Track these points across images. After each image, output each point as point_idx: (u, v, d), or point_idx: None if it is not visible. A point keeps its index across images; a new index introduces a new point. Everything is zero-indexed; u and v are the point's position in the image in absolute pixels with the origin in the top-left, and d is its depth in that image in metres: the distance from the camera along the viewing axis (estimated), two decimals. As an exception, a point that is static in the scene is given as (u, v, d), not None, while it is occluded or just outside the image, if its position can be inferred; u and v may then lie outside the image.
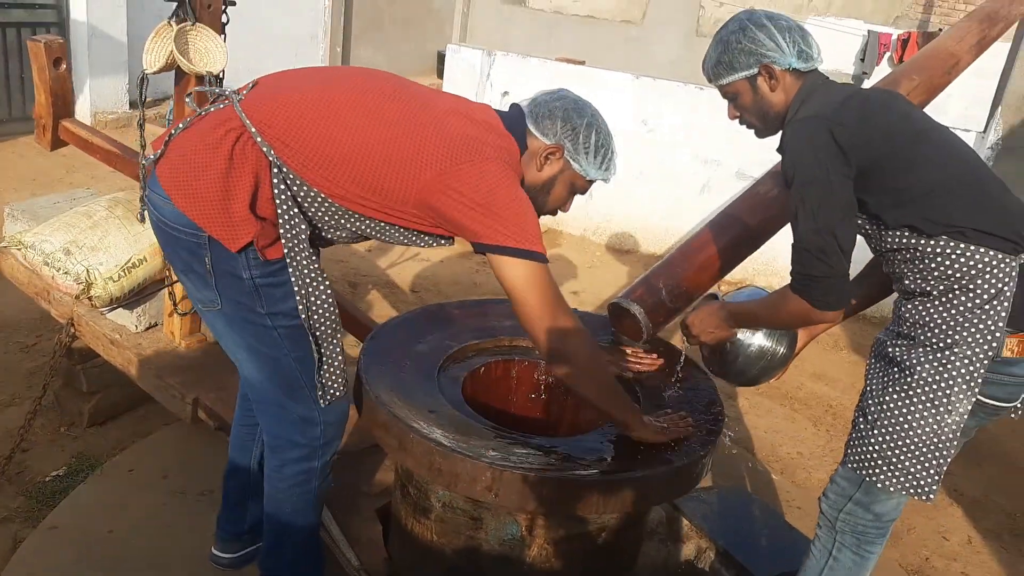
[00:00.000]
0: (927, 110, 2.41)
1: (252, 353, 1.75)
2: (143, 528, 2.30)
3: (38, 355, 3.31)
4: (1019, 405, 1.85)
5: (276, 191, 1.60)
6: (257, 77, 1.76)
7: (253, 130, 1.60)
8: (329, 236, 1.75)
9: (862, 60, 7.74)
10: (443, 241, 1.77)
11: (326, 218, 1.69)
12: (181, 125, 1.70)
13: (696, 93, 5.37)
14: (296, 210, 1.63)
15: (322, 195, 1.63)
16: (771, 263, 5.34)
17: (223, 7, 2.38)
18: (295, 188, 1.63)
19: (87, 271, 2.54)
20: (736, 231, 2.43)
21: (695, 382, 2.18)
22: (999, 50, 4.76)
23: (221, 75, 2.40)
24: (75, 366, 2.88)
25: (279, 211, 1.62)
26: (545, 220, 6.58)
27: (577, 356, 1.66)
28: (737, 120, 1.91)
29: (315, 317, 1.71)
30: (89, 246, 2.57)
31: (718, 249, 2.41)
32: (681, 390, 2.12)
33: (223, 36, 2.40)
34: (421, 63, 10.73)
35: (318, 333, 1.72)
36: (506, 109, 1.81)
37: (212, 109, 1.68)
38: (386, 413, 1.79)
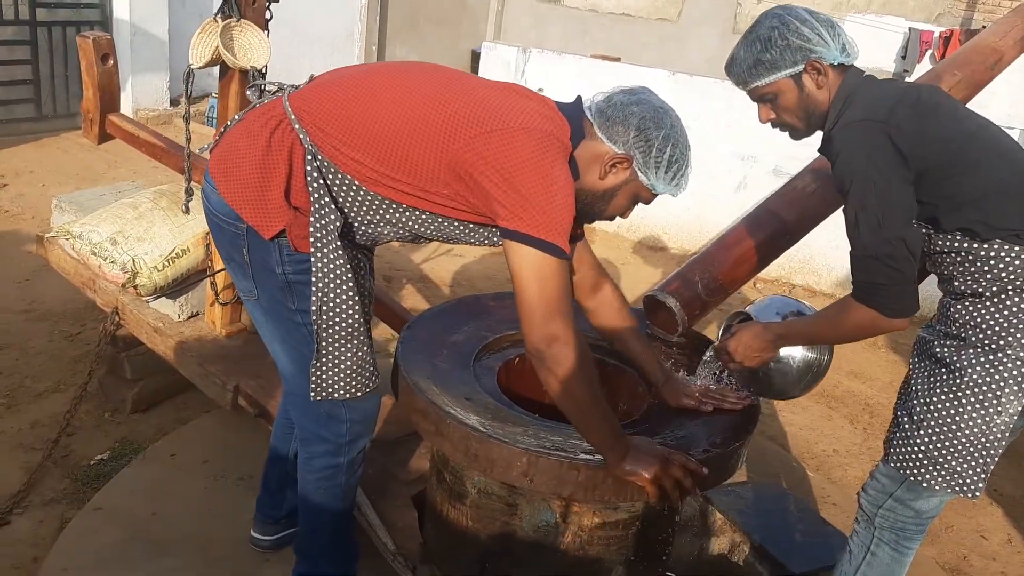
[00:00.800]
0: (970, 107, 2.39)
1: (284, 346, 1.79)
2: (185, 510, 2.35)
3: (82, 343, 3.40)
4: None
5: (309, 178, 1.59)
6: (318, 76, 1.78)
7: (292, 117, 1.61)
8: (367, 231, 1.71)
9: (903, 58, 7.62)
10: (484, 232, 1.67)
11: (361, 209, 1.64)
12: (237, 117, 1.74)
13: (732, 90, 5.29)
14: (328, 199, 1.59)
15: (356, 182, 1.60)
16: (808, 261, 5.29)
17: (267, 4, 2.43)
18: (329, 176, 1.60)
19: (133, 260, 2.61)
20: (774, 226, 2.42)
21: (732, 375, 2.17)
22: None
23: (264, 70, 2.44)
24: (119, 354, 2.95)
25: (312, 198, 1.58)
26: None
27: (559, 365, 1.52)
28: (770, 123, 1.87)
29: (329, 315, 1.64)
30: (135, 236, 2.64)
31: (755, 244, 2.41)
32: (715, 380, 2.11)
33: (266, 32, 2.44)
34: (456, 61, 10.78)
35: (323, 330, 1.66)
36: None
37: (265, 101, 1.71)
38: (424, 399, 1.82)
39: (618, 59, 5.60)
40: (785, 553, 2.45)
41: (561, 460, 1.67)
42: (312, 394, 1.74)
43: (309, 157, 1.59)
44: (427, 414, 1.81)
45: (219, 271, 2.72)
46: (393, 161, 1.55)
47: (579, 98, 1.68)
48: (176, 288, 2.78)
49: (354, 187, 1.61)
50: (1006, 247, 1.62)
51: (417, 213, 1.65)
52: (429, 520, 2.21)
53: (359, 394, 1.80)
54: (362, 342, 1.74)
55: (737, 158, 5.41)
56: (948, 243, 1.68)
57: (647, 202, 1.72)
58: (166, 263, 2.65)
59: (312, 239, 1.60)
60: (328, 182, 1.61)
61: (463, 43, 11.24)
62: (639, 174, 1.63)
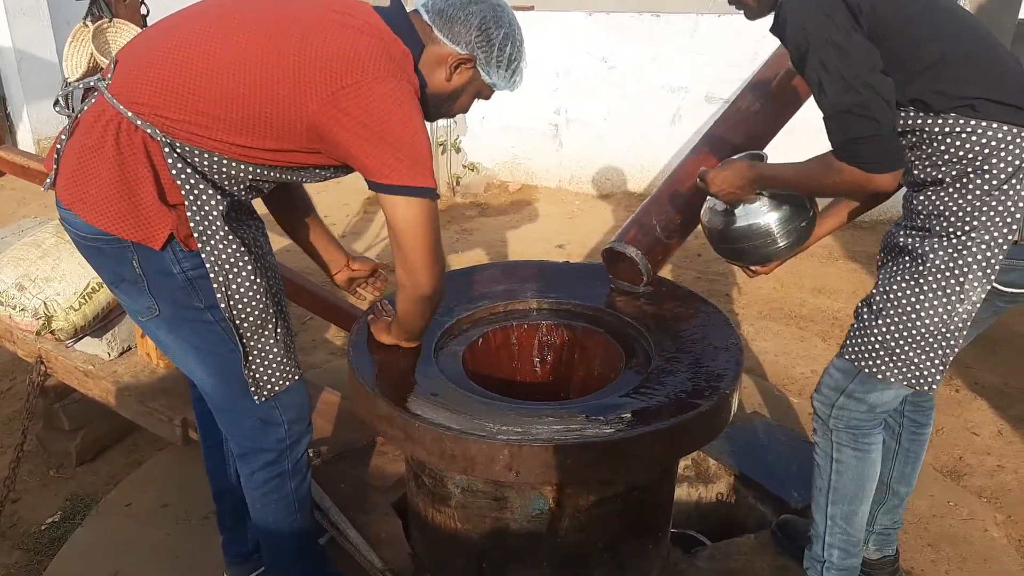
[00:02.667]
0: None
1: (200, 356, 1.62)
2: (150, 564, 2.17)
3: (14, 399, 3.15)
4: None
5: (174, 171, 1.45)
6: (118, 51, 1.59)
7: (129, 114, 1.44)
8: (247, 196, 1.61)
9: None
10: (344, 171, 1.64)
11: (236, 180, 1.54)
12: (64, 135, 1.52)
13: (653, 23, 5.19)
14: (203, 185, 1.49)
15: (225, 157, 1.49)
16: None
17: (139, -2, 2.19)
18: (195, 160, 1.48)
19: (44, 304, 2.37)
20: (723, 152, 2.29)
21: (708, 318, 2.06)
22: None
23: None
24: (53, 405, 2.73)
25: (183, 191, 1.46)
26: (518, 176, 6.35)
27: (436, 297, 1.64)
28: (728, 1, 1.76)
29: (238, 306, 1.55)
30: (43, 277, 2.40)
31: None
32: (699, 327, 2.00)
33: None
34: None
35: (238, 322, 1.57)
36: None
37: (85, 107, 1.51)
38: (386, 404, 1.66)
39: (531, 7, 5.40)
40: (784, 488, 2.39)
41: (546, 446, 1.53)
42: (255, 398, 1.64)
43: (167, 150, 1.45)
44: (392, 420, 1.65)
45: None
46: (250, 132, 1.46)
47: (395, 2, 1.61)
48: (99, 325, 2.55)
49: (224, 161, 1.50)
50: (961, 121, 1.51)
51: (293, 170, 1.58)
52: (415, 527, 2.06)
53: (296, 378, 1.69)
54: (278, 323, 1.65)
55: (667, 91, 5.28)
56: (903, 120, 1.57)
57: (487, 98, 1.73)
58: (82, 300, 2.42)
59: (196, 233, 1.49)
60: (196, 167, 1.49)
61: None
62: (482, 73, 1.64)
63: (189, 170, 1.47)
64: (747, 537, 2.23)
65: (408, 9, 1.60)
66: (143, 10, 2.22)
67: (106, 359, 2.62)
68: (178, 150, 1.46)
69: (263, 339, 1.61)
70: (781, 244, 1.89)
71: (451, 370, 1.86)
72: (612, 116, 5.46)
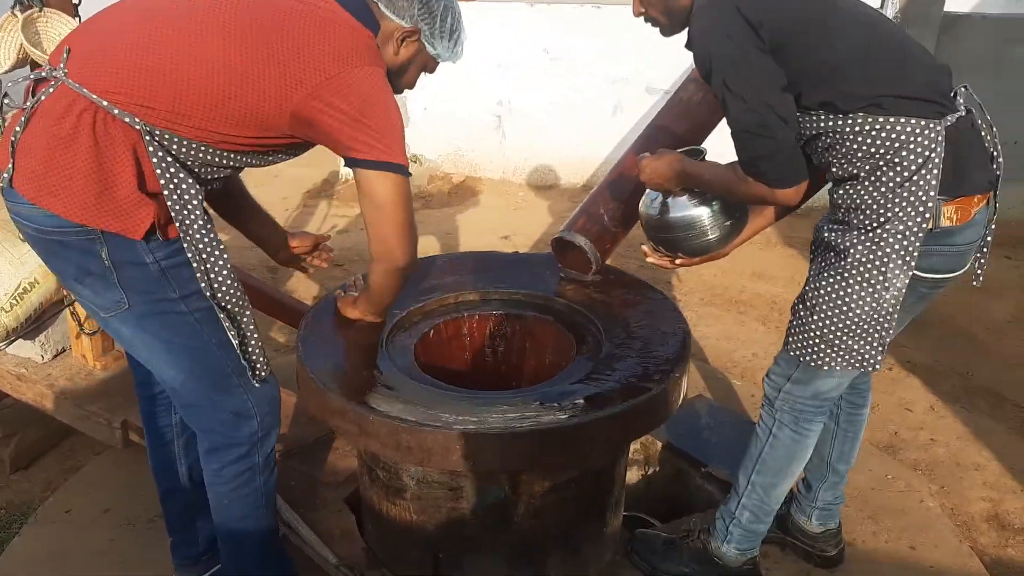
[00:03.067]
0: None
1: (170, 349, 1.59)
2: (95, 570, 2.10)
3: (-60, 407, 3.00)
4: (979, 272, 1.82)
5: (155, 160, 1.45)
6: (65, 39, 1.55)
7: (105, 104, 1.42)
8: (215, 181, 1.62)
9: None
10: (298, 150, 1.70)
11: (211, 167, 1.57)
12: (18, 128, 1.46)
13: (595, 14, 5.22)
14: (183, 173, 1.49)
15: (204, 144, 1.51)
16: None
17: (68, -16, 2.10)
18: (173, 148, 1.49)
19: (-28, 306, 2.27)
20: (667, 142, 2.32)
21: (656, 304, 2.09)
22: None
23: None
24: (-18, 411, 2.61)
25: (162, 180, 1.46)
26: (461, 167, 6.33)
27: (409, 269, 1.70)
28: (642, 17, 1.82)
29: (221, 290, 1.56)
30: (-31, 279, 2.30)
31: (651, 163, 2.31)
32: (647, 313, 2.03)
33: (77, 18, 2.12)
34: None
35: (225, 304, 1.57)
36: None
37: (43, 97, 1.45)
38: (338, 398, 1.64)
39: (470, -2, 5.39)
40: (731, 469, 2.44)
41: (502, 435, 1.54)
42: (255, 380, 1.66)
43: (147, 138, 1.45)
44: (345, 414, 1.64)
45: (76, 301, 2.42)
46: (233, 122, 1.50)
47: None
48: (32, 327, 2.45)
49: (202, 149, 1.52)
50: (869, 119, 1.57)
51: (254, 155, 1.62)
52: (369, 521, 2.05)
53: (269, 370, 1.69)
54: (251, 313, 1.66)
55: (609, 82, 5.33)
56: (815, 123, 1.63)
57: (432, 71, 1.80)
58: (14, 301, 2.32)
59: (177, 220, 1.48)
60: (175, 154, 1.50)
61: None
62: (427, 45, 1.71)
63: (169, 158, 1.47)
64: (695, 516, 2.28)
65: None
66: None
67: (40, 362, 2.53)
68: (157, 139, 1.46)
69: (247, 321, 1.61)
70: (711, 237, 1.92)
71: (403, 362, 1.85)
72: (555, 107, 5.48)
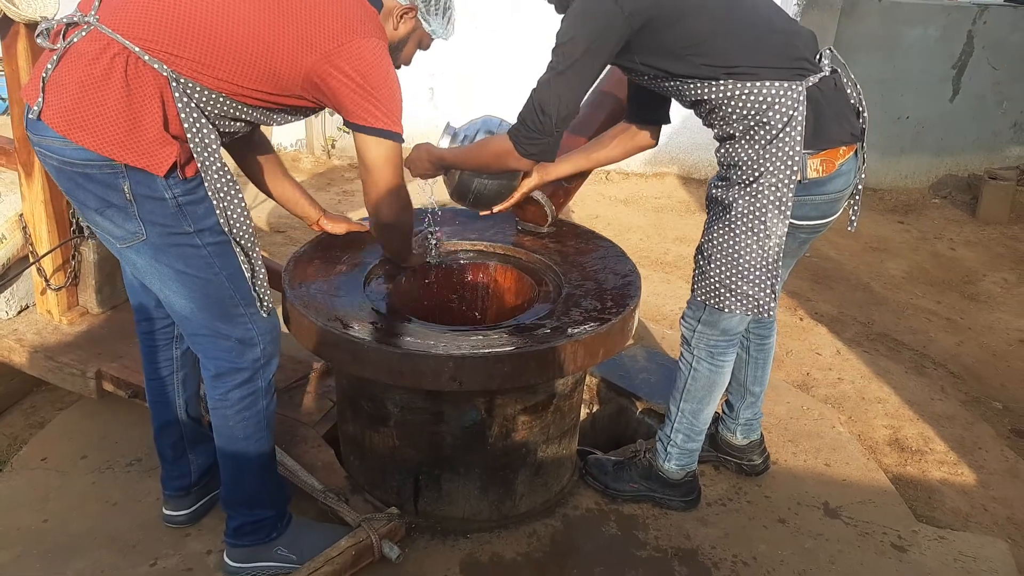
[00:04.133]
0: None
1: (182, 280, 1.70)
2: (80, 510, 2.18)
3: None
4: (853, 218, 2.08)
5: (180, 105, 1.57)
6: None
7: (137, 50, 1.53)
8: (227, 131, 1.73)
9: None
10: (301, 114, 1.83)
11: (226, 117, 1.69)
12: (49, 65, 1.56)
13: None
14: (204, 120, 1.61)
15: (222, 95, 1.63)
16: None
17: (38, -58, 2.14)
18: (196, 96, 1.61)
19: (-59, 260, 2.30)
20: (611, 105, 2.55)
21: (607, 251, 2.31)
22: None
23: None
24: (-56, 369, 2.62)
25: (186, 124, 1.58)
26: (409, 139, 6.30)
27: (405, 225, 1.93)
28: None
29: (236, 226, 1.69)
30: (-65, 234, 2.32)
31: (599, 125, 2.52)
32: (599, 259, 2.25)
33: (44, -24, 2.17)
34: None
35: (239, 238, 1.70)
36: None
37: (76, 40, 1.55)
38: (335, 333, 1.80)
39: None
40: (665, 402, 2.70)
41: (486, 357, 1.74)
42: (264, 312, 1.78)
43: (174, 84, 1.56)
44: (340, 345, 1.80)
45: (44, 255, 2.47)
46: (255, 76, 1.63)
47: None
48: (-2, 282, 2.49)
49: (221, 99, 1.65)
50: (738, 85, 1.77)
51: (265, 111, 1.75)
52: (349, 453, 2.21)
53: (271, 298, 1.82)
54: (260, 248, 1.80)
55: (540, 52, 5.51)
56: (690, 91, 1.83)
57: (426, 47, 1.99)
58: (-20, 257, 2.36)
59: (199, 161, 1.61)
60: (196, 102, 1.61)
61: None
62: (423, 22, 1.90)
63: (192, 105, 1.59)
64: (639, 443, 2.53)
65: None
66: (42, -44, 2.18)
67: (4, 318, 2.56)
68: (183, 85, 1.57)
69: (256, 256, 1.74)
70: (491, 184, 2.16)
71: (381, 304, 2.02)
72: (486, 77, 5.64)
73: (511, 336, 1.85)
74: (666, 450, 2.25)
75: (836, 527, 2.26)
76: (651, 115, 2.15)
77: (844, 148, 1.87)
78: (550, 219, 2.39)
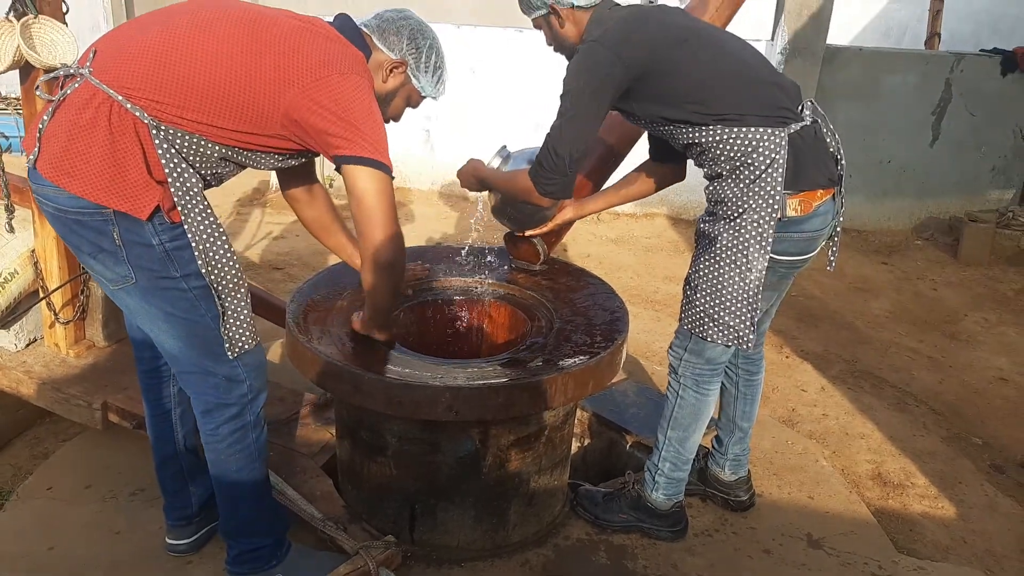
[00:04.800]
0: (733, 23, 2.75)
1: (170, 321, 1.76)
2: (85, 538, 2.24)
3: None
4: (832, 258, 2.21)
5: (160, 151, 1.63)
6: (93, 43, 1.74)
7: (120, 98, 1.60)
8: (214, 175, 1.79)
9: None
10: (290, 159, 1.87)
11: (208, 160, 1.73)
12: (45, 117, 1.65)
13: (516, 36, 5.59)
14: (184, 164, 1.66)
15: (203, 139, 1.68)
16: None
17: (61, -5, 2.28)
18: (177, 141, 1.65)
19: (-44, 294, 2.38)
20: (600, 150, 2.67)
21: (596, 288, 2.42)
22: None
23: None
24: (-48, 400, 2.69)
25: (167, 169, 1.63)
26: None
27: (396, 264, 1.84)
28: (552, 47, 2.16)
29: (216, 271, 1.72)
30: (-48, 269, 2.41)
31: (588, 170, 2.65)
32: (589, 296, 2.35)
33: (66, 25, 2.29)
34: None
35: (219, 287, 1.74)
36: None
37: (69, 92, 1.64)
38: (336, 364, 1.88)
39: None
40: (655, 436, 2.78)
41: (482, 387, 1.83)
42: (228, 353, 1.79)
43: (154, 131, 1.62)
44: (341, 376, 1.89)
45: (55, 290, 2.56)
46: (233, 116, 1.67)
47: (342, 15, 1.90)
48: (8, 317, 2.57)
49: (202, 143, 1.69)
50: (726, 130, 1.92)
51: (255, 154, 1.79)
52: (347, 483, 2.28)
53: (257, 339, 1.85)
54: (247, 289, 1.82)
55: (530, 100, 5.68)
56: (683, 135, 1.98)
57: (415, 106, 2.02)
58: (-5, 290, 2.45)
59: (180, 206, 1.66)
60: (178, 148, 1.66)
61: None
62: (412, 78, 1.94)
63: (173, 150, 1.64)
64: (628, 473, 2.61)
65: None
66: (64, 7, 2.31)
67: (13, 351, 2.64)
68: (163, 131, 1.63)
69: (237, 301, 1.78)
70: (525, 208, 2.29)
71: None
72: (480, 122, 5.80)
73: (505, 368, 1.95)
74: (654, 480, 2.32)
75: (819, 557, 2.33)
76: (670, 153, 2.23)
77: (822, 191, 2.01)
78: (542, 257, 2.50)
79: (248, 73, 1.64)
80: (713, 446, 2.52)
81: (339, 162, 1.72)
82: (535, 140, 6.85)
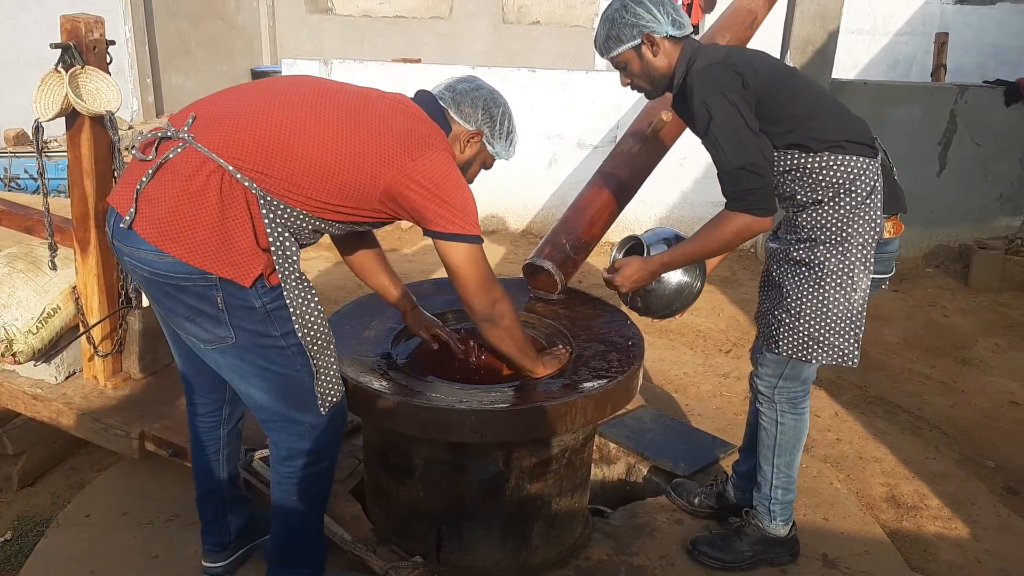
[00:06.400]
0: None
1: (265, 376, 1.83)
2: (123, 563, 2.33)
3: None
4: (887, 278, 2.30)
5: (266, 220, 1.72)
6: (187, 107, 1.84)
7: (230, 168, 1.68)
8: (305, 243, 1.88)
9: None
10: (372, 227, 2.00)
11: (305, 230, 1.82)
12: (144, 178, 1.71)
13: (530, 77, 5.76)
14: (287, 234, 1.76)
15: (304, 212, 1.77)
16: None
17: (106, 47, 2.43)
18: (281, 213, 1.74)
19: (4, 328, 2.51)
20: (613, 185, 2.80)
21: (612, 316, 2.51)
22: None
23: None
24: (-5, 431, 2.80)
25: (271, 238, 1.72)
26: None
27: (503, 319, 1.96)
28: (629, 86, 2.21)
29: (312, 332, 1.81)
30: (0, 304, 2.54)
31: (602, 203, 2.78)
32: (606, 324, 2.45)
33: (110, 75, 2.44)
34: (235, 83, 10.47)
35: (313, 348, 1.82)
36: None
37: (172, 155, 1.71)
38: (367, 389, 1.99)
39: (419, 60, 5.84)
40: (674, 462, 2.86)
41: (505, 410, 1.92)
42: (321, 408, 1.88)
43: (262, 202, 1.71)
44: (373, 401, 1.98)
45: (95, 324, 2.68)
46: (336, 192, 1.78)
47: (423, 92, 2.02)
48: (51, 350, 2.69)
49: (302, 216, 1.79)
50: (833, 157, 2.04)
51: (343, 224, 1.89)
52: (375, 506, 2.37)
53: (343, 391, 1.95)
54: (334, 345, 1.93)
55: (544, 137, 5.84)
56: (787, 161, 2.07)
57: (489, 167, 2.13)
58: (39, 325, 2.57)
59: (280, 272, 1.75)
60: (281, 219, 1.76)
61: (239, 63, 10.97)
62: (487, 145, 2.04)
63: (278, 221, 1.74)
64: (647, 500, 2.68)
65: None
66: (107, 58, 2.46)
67: (53, 383, 2.75)
68: (269, 201, 1.72)
69: (327, 357, 1.87)
70: (698, 285, 2.36)
71: (409, 365, 2.21)
72: (496, 161, 5.95)
73: (527, 393, 2.04)
74: (769, 510, 2.37)
75: (835, 576, 2.39)
76: None
77: (901, 213, 2.16)
78: (560, 287, 2.60)
79: (351, 154, 1.75)
80: (734, 470, 2.59)
81: (433, 237, 1.84)
82: (551, 176, 7.04)
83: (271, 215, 1.73)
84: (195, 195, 1.68)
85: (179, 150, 1.71)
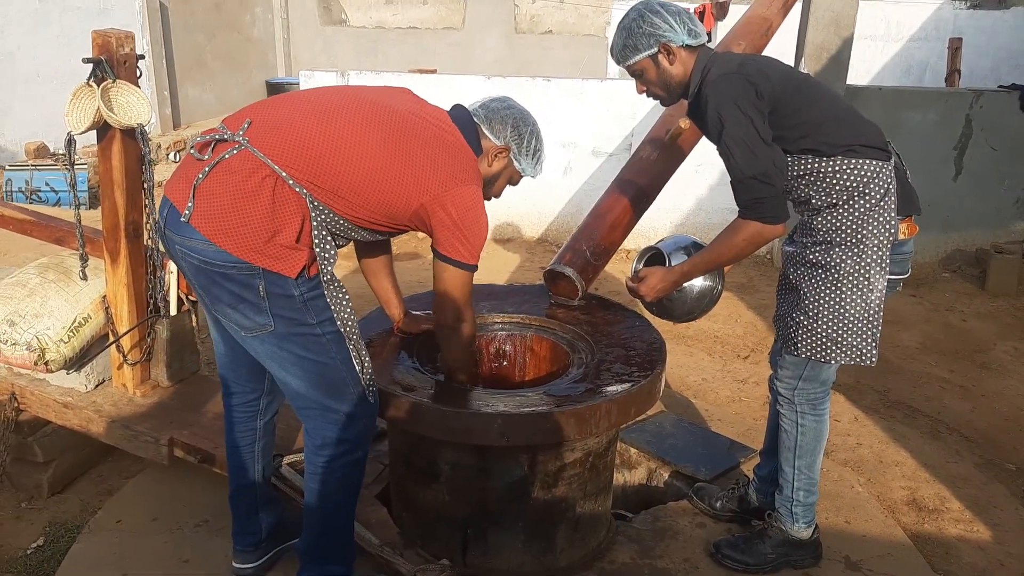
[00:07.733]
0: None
1: (302, 364, 1.93)
2: (155, 567, 2.36)
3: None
4: (902, 280, 2.33)
5: (314, 224, 1.85)
6: (241, 112, 1.93)
7: (284, 175, 1.81)
8: (339, 245, 2.00)
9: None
10: (393, 235, 2.14)
11: (340, 236, 1.97)
12: (200, 175, 1.82)
13: (545, 86, 5.81)
14: (328, 235, 1.89)
15: (344, 219, 1.92)
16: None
17: (136, 61, 2.49)
18: (326, 219, 1.88)
19: (36, 338, 2.56)
20: (632, 192, 2.83)
21: (633, 322, 2.54)
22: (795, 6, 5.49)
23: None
24: (26, 439, 2.85)
25: (316, 240, 1.86)
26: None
27: (462, 335, 2.09)
28: (644, 94, 2.26)
29: (348, 322, 1.94)
30: (32, 314, 2.59)
31: (622, 209, 2.81)
32: (627, 329, 2.47)
33: (139, 88, 2.50)
34: (251, 94, 10.63)
35: (350, 333, 1.93)
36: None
37: (227, 155, 1.82)
38: (395, 394, 2.03)
39: (434, 71, 5.90)
40: (695, 466, 2.88)
41: (531, 414, 1.95)
42: (371, 398, 2.00)
43: (311, 206, 1.85)
44: (400, 405, 2.02)
45: (125, 333, 2.73)
46: (374, 209, 1.92)
47: (458, 107, 2.13)
48: (81, 358, 2.74)
49: (341, 222, 1.93)
50: (846, 161, 2.07)
51: (370, 232, 2.03)
52: (401, 510, 2.40)
53: (376, 381, 2.04)
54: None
55: (559, 146, 5.88)
56: (800, 166, 2.10)
57: (515, 183, 2.22)
58: (71, 334, 2.62)
59: (321, 268, 1.88)
60: (326, 223, 1.90)
61: (255, 75, 11.09)
62: (514, 161, 2.14)
63: (324, 224, 1.88)
64: (669, 504, 2.70)
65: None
66: (137, 72, 2.52)
67: (83, 391, 2.80)
68: (319, 209, 1.86)
69: (363, 347, 1.98)
70: (719, 289, 2.41)
71: (433, 370, 2.24)
72: (522, 178, 6.01)
73: (551, 397, 2.07)
74: (792, 513, 2.39)
75: (857, 579, 2.40)
76: None
77: (915, 216, 2.18)
78: (580, 293, 2.63)
79: (393, 180, 1.89)
80: (755, 474, 2.61)
81: (439, 257, 1.98)
82: (566, 184, 7.09)
83: (319, 219, 1.86)
84: (250, 195, 1.79)
85: (235, 151, 1.82)
